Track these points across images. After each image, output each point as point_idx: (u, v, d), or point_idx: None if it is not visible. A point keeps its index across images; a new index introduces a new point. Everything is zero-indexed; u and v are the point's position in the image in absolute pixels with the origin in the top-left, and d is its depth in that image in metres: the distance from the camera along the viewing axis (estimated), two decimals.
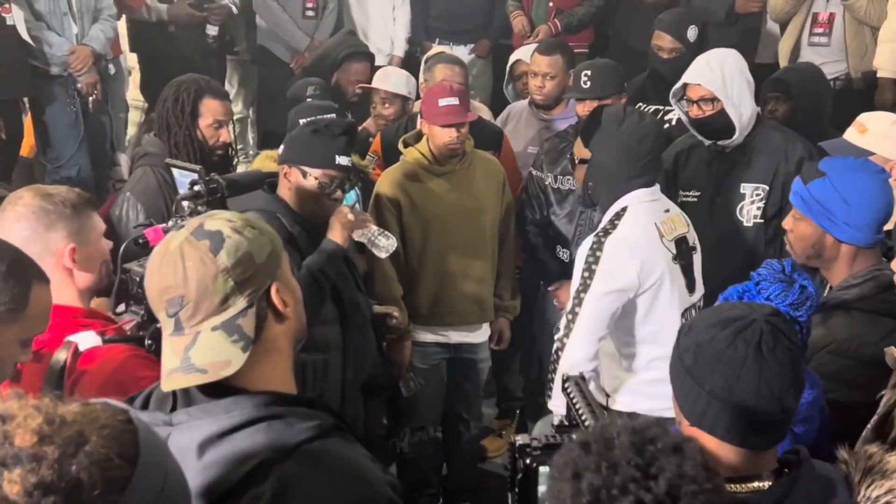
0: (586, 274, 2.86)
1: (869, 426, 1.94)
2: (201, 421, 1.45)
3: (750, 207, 3.37)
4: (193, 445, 1.43)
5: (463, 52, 5.59)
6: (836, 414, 2.15)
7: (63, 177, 4.92)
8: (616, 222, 2.90)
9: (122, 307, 2.26)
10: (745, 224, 3.38)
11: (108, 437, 1.10)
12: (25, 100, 5.01)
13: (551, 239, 3.87)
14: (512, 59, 4.91)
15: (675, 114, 4.22)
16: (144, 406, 1.54)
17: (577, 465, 1.26)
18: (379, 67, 5.50)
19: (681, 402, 1.69)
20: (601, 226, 2.95)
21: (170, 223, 2.38)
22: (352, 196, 3.78)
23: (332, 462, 1.47)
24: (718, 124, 3.35)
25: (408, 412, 3.62)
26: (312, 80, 4.40)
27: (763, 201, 3.36)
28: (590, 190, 3.03)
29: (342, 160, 2.98)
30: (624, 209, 2.91)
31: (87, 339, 2.03)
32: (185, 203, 2.57)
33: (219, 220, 1.51)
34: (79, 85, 4.89)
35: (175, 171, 3.00)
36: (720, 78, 3.32)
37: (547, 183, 3.89)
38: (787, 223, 2.65)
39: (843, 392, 2.24)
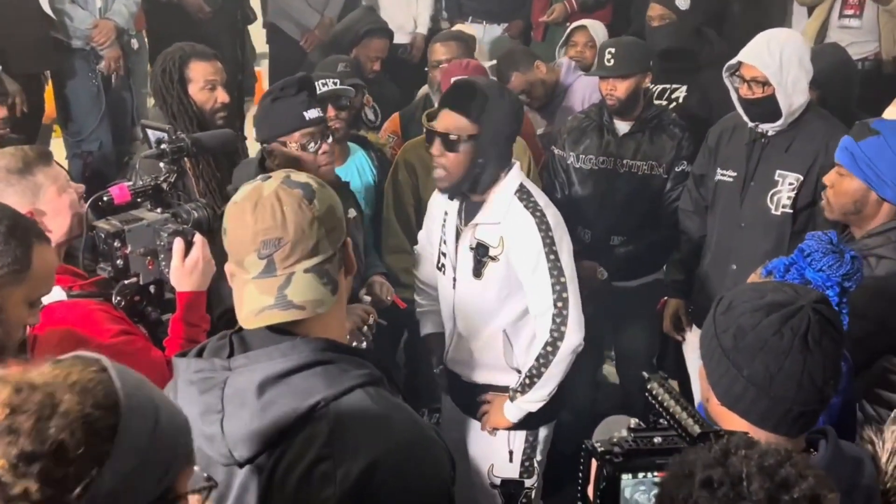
0: (552, 256, 2.81)
1: None
2: (260, 364, 1.50)
3: (780, 196, 3.27)
4: (253, 386, 1.48)
5: (496, 32, 5.54)
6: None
7: (84, 151, 4.94)
8: (531, 198, 2.87)
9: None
10: (772, 212, 3.29)
11: (81, 391, 1.10)
12: (47, 73, 5.02)
13: (572, 219, 3.82)
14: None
15: (680, 91, 4.20)
16: (199, 355, 1.59)
17: None
18: (400, 45, 5.49)
19: (713, 380, 1.66)
20: (517, 207, 2.85)
21: (139, 182, 2.45)
22: (364, 165, 3.76)
23: (386, 404, 1.54)
24: (766, 108, 3.24)
25: (426, 392, 3.61)
26: (343, 57, 4.35)
27: (795, 191, 3.25)
28: (479, 168, 2.84)
29: (311, 113, 2.88)
30: (521, 185, 2.88)
31: (51, 294, 2.07)
32: (149, 161, 2.62)
33: (302, 175, 1.61)
34: (101, 65, 4.88)
35: (149, 132, 2.99)
36: (777, 62, 3.18)
37: (569, 162, 3.85)
38: (828, 178, 2.68)
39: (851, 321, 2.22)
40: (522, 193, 2.88)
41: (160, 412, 1.16)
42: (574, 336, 2.85)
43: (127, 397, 1.12)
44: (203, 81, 3.32)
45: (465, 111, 2.81)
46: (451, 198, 2.99)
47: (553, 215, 2.87)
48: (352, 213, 3.24)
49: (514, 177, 2.90)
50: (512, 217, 2.85)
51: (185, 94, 3.30)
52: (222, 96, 3.33)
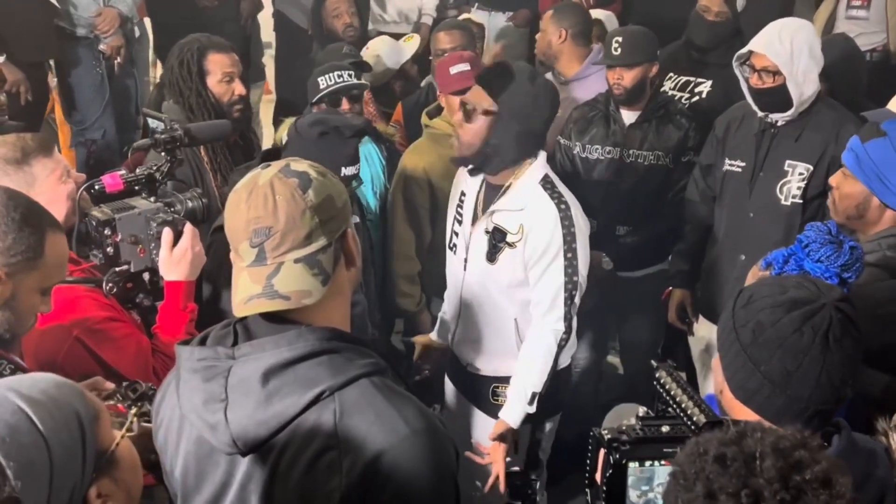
0: (570, 254, 2.78)
1: None
2: (265, 352, 1.50)
3: (790, 186, 3.25)
4: (257, 375, 1.48)
5: (501, 20, 5.50)
6: None
7: (88, 139, 4.93)
8: (556, 189, 2.84)
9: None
10: (782, 202, 3.26)
11: None
12: (51, 61, 5.00)
13: None
14: None
15: (705, 86, 4.16)
16: (202, 343, 1.58)
17: (712, 482, 1.17)
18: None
19: (729, 374, 1.63)
20: (541, 197, 2.81)
21: (132, 172, 2.45)
22: (373, 154, 3.74)
23: (391, 393, 1.53)
24: (776, 97, 3.21)
25: (435, 388, 3.60)
26: (345, 45, 4.33)
27: (805, 181, 3.22)
28: (489, 148, 2.82)
29: (348, 170, 2.68)
30: (546, 176, 2.86)
31: None
32: (140, 151, 2.65)
33: (303, 163, 1.60)
34: (102, 47, 4.86)
35: (149, 121, 2.98)
36: (788, 51, 3.16)
37: (575, 152, 3.83)
38: (833, 179, 2.63)
39: None
40: (547, 183, 2.85)
41: (51, 447, 1.14)
42: (569, 337, 2.86)
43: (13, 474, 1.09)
44: (221, 74, 3.27)
45: (489, 87, 2.80)
46: (471, 173, 2.96)
47: (577, 213, 2.83)
48: (355, 218, 3.21)
49: (540, 166, 2.86)
50: (535, 206, 2.82)
51: (203, 86, 3.25)
52: (240, 89, 3.30)
